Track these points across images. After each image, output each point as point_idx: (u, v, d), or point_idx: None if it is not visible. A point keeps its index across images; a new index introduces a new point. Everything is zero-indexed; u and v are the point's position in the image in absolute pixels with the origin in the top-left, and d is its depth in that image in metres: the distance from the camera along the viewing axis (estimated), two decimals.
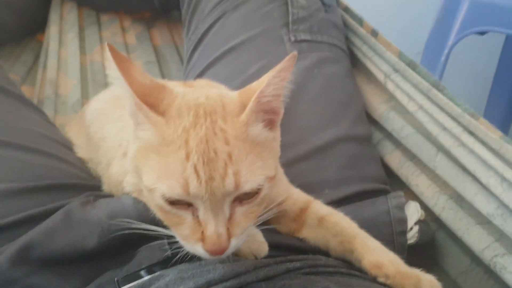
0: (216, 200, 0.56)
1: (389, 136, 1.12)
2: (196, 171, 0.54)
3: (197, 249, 0.58)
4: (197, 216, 0.57)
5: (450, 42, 1.44)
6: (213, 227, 0.56)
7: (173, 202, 0.57)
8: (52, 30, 1.54)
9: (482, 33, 1.42)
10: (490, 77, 1.93)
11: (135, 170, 0.61)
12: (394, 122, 1.08)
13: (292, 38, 1.10)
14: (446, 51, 1.45)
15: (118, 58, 0.57)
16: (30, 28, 1.61)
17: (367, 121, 1.15)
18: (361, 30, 1.19)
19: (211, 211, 0.56)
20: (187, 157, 0.55)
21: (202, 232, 0.57)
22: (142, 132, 0.59)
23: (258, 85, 0.61)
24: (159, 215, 0.61)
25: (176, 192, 0.55)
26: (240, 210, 0.59)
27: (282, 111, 0.65)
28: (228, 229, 0.58)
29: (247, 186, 0.56)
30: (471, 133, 0.91)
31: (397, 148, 1.10)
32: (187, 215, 0.58)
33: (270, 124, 0.62)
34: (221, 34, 1.17)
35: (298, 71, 1.04)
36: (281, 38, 1.11)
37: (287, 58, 0.60)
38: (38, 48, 1.57)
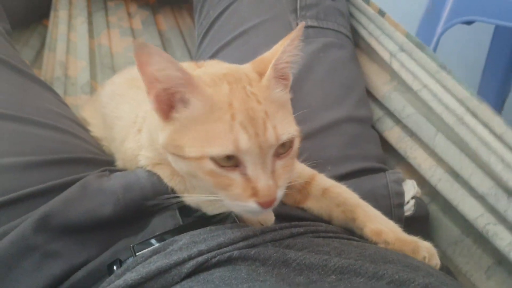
0: (263, 153, 0.61)
1: (390, 114, 1.15)
2: (244, 128, 0.60)
3: (249, 204, 0.62)
4: (245, 174, 0.62)
5: (438, 31, 1.46)
6: (263, 180, 0.61)
7: (223, 165, 0.61)
8: (62, 14, 1.57)
9: (469, 23, 1.45)
10: (480, 66, 1.94)
11: (173, 151, 0.65)
12: (396, 103, 1.12)
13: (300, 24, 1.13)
14: (434, 40, 1.47)
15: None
16: (37, 13, 1.63)
17: (369, 103, 1.19)
18: (369, 9, 1.22)
19: (260, 165, 0.61)
20: (233, 117, 0.60)
21: (253, 188, 0.61)
22: (185, 111, 0.63)
23: (273, 54, 0.67)
24: (209, 181, 0.64)
25: (228, 149, 0.59)
26: (279, 163, 0.64)
27: (291, 77, 0.71)
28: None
29: (284, 136, 0.62)
30: (475, 115, 0.94)
31: (397, 125, 1.13)
32: (236, 176, 0.62)
33: (285, 88, 0.68)
34: (232, 19, 1.21)
35: (305, 55, 1.08)
36: (289, 23, 1.15)
37: (297, 28, 0.67)
38: (45, 32, 1.59)
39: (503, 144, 0.88)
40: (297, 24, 1.14)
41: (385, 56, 1.15)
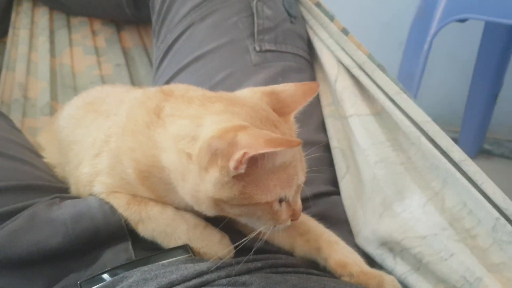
0: (303, 183, 0.69)
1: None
2: (300, 167, 0.69)
3: (287, 224, 0.71)
4: (288, 201, 0.68)
5: (432, 30, 1.46)
6: (299, 203, 0.71)
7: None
8: (22, 33, 1.52)
9: (462, 20, 1.45)
10: (472, 64, 1.97)
11: (235, 202, 0.64)
12: (329, 128, 1.10)
13: (257, 48, 1.12)
14: (429, 39, 1.47)
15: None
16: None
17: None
18: (332, 26, 1.17)
19: (298, 192, 0.70)
20: (296, 161, 0.67)
21: (292, 210, 0.70)
22: (262, 168, 0.63)
23: (291, 97, 0.75)
24: (266, 217, 0.68)
25: (294, 189, 0.67)
26: None
27: None
28: None
29: None
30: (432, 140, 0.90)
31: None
32: (284, 205, 0.68)
33: None
34: (189, 44, 1.19)
35: (263, 80, 1.06)
36: (247, 48, 1.13)
37: (316, 85, 0.78)
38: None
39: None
40: (254, 48, 1.12)
41: (332, 75, 1.12)
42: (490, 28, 1.85)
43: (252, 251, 0.70)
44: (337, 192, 1.01)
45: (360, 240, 0.91)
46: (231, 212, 0.66)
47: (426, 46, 1.48)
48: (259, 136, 0.59)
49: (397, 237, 0.83)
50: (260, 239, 0.71)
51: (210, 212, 0.68)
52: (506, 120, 2.13)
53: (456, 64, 2.17)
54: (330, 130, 1.09)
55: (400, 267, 0.82)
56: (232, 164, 0.59)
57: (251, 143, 0.58)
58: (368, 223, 0.90)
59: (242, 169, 0.59)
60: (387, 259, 0.85)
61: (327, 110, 1.12)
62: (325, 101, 1.14)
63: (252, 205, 0.64)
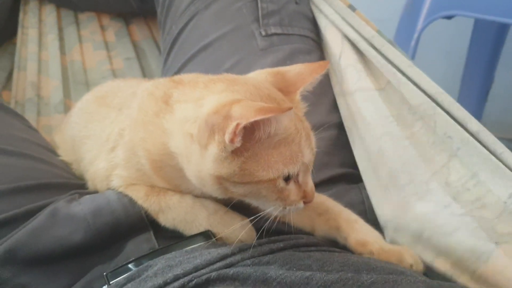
0: (311, 162, 0.69)
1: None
2: (306, 145, 0.66)
3: (299, 206, 0.69)
4: (297, 181, 0.68)
5: (418, 27, 1.44)
6: (310, 184, 0.69)
7: (286, 180, 0.66)
8: (31, 32, 1.53)
9: (449, 17, 1.44)
10: (463, 60, 1.95)
11: (237, 180, 0.64)
12: (341, 109, 1.09)
13: (263, 32, 1.11)
14: (415, 36, 1.45)
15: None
16: (7, 32, 1.59)
17: None
18: (338, 2, 1.15)
19: (307, 173, 0.69)
20: (300, 138, 0.65)
21: (303, 191, 0.69)
22: (261, 141, 0.63)
23: (296, 76, 0.75)
24: (271, 197, 0.67)
25: (299, 166, 0.65)
26: None
27: None
28: None
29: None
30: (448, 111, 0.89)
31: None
32: (292, 186, 0.67)
33: None
34: (194, 33, 1.19)
35: (271, 64, 1.06)
36: (252, 33, 1.12)
37: (324, 63, 0.77)
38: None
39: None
40: (260, 33, 1.11)
41: (335, 53, 1.11)
42: (480, 24, 1.83)
43: (263, 231, 0.71)
44: (352, 174, 1.01)
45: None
46: (236, 191, 0.66)
47: (413, 43, 1.46)
48: (251, 106, 0.59)
49: (398, 215, 0.84)
50: (278, 220, 0.72)
51: (216, 192, 0.69)
52: (497, 117, 2.13)
53: (446, 61, 2.16)
54: (341, 111, 1.08)
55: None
56: (227, 136, 0.59)
57: (243, 113, 0.58)
58: (374, 196, 0.92)
59: (237, 142, 0.60)
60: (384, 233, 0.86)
61: (336, 89, 1.11)
62: (334, 80, 1.13)
63: (255, 183, 0.64)
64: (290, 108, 0.59)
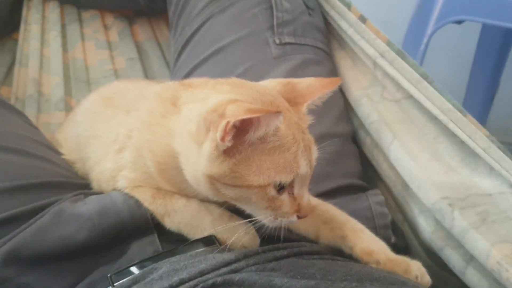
0: (308, 176, 0.67)
1: (361, 124, 1.14)
2: (303, 156, 0.65)
3: (292, 219, 0.68)
4: (292, 194, 0.67)
5: (428, 31, 1.46)
6: (305, 198, 0.68)
7: (277, 190, 0.65)
8: (34, 28, 1.52)
9: (459, 22, 1.45)
10: (469, 64, 1.96)
11: (227, 182, 0.64)
12: (363, 109, 1.10)
13: (277, 41, 1.13)
14: (425, 40, 1.47)
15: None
16: (7, 28, 1.59)
17: (349, 118, 1.17)
18: (350, 15, 1.17)
19: (303, 186, 0.68)
20: (298, 148, 0.65)
21: (297, 205, 0.67)
22: (255, 145, 0.63)
23: (307, 88, 0.75)
24: (261, 205, 0.66)
25: (292, 176, 0.64)
26: None
27: None
28: None
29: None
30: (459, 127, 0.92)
31: (367, 135, 1.12)
32: (285, 196, 0.66)
33: None
34: (208, 36, 1.19)
35: (284, 72, 1.06)
36: (266, 40, 1.13)
37: (335, 80, 0.77)
38: (16, 47, 1.52)
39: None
40: (274, 41, 1.13)
41: (368, 62, 1.12)
42: (487, 30, 1.86)
43: (266, 238, 0.71)
44: (357, 185, 1.02)
45: (419, 192, 0.92)
46: (226, 193, 0.66)
47: (422, 47, 1.49)
48: (243, 106, 0.60)
49: (462, 193, 0.84)
50: (285, 228, 0.72)
51: (209, 193, 0.69)
52: (502, 122, 2.14)
53: (453, 65, 2.18)
54: (365, 110, 1.10)
55: (459, 223, 0.83)
56: (218, 134, 0.60)
57: (234, 112, 0.59)
58: (429, 177, 0.92)
59: (228, 141, 0.60)
60: (445, 214, 0.85)
61: (359, 92, 1.13)
62: (357, 85, 1.15)
63: (246, 187, 0.64)
64: (278, 112, 0.59)
